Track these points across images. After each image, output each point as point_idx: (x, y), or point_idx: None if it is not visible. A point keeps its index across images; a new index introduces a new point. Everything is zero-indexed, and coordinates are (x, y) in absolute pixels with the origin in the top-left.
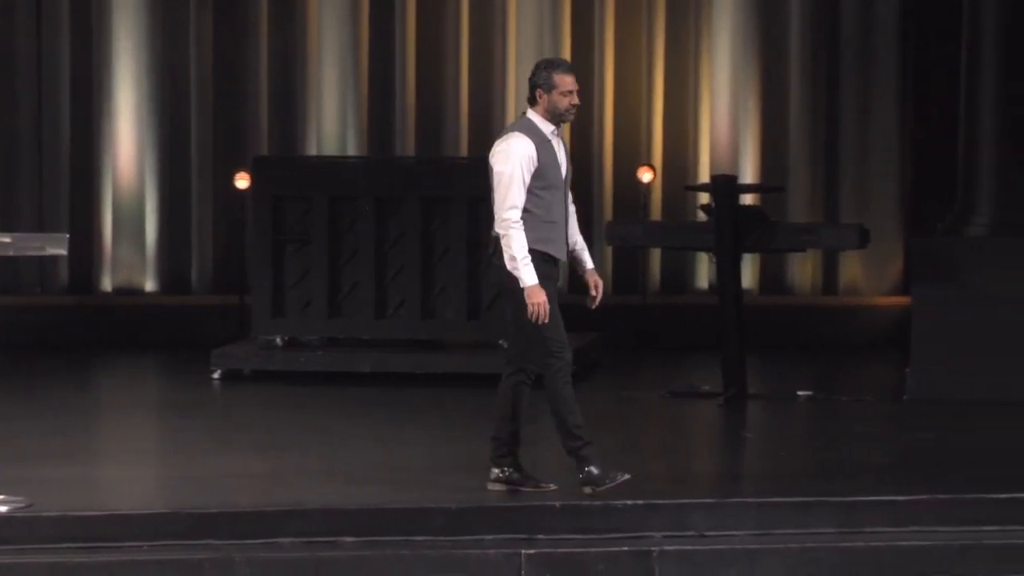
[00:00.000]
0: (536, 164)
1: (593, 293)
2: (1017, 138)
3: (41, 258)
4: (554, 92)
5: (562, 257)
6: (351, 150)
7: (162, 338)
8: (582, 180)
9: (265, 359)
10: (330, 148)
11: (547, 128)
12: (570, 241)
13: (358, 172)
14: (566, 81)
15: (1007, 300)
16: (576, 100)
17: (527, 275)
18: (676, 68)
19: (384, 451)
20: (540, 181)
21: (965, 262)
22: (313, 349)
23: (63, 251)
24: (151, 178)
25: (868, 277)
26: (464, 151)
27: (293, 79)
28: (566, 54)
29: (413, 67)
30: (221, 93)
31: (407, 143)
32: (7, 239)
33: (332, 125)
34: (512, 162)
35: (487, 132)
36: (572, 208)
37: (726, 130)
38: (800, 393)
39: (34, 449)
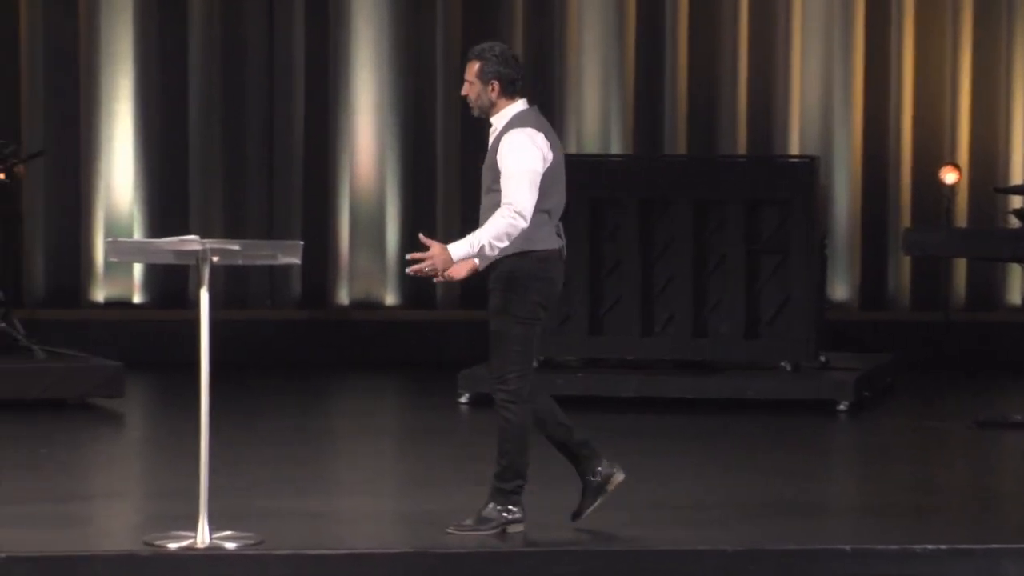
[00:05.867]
0: None
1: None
2: None
3: (272, 268)
4: None
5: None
6: (614, 148)
7: (403, 356)
8: (876, 181)
9: None
10: (591, 146)
11: None
12: None
13: (622, 172)
14: None
15: None
16: (463, 91)
17: None
18: (985, 57)
19: (648, 486)
20: None
21: None
22: (572, 370)
23: (296, 260)
24: (392, 180)
25: None
26: (742, 149)
27: (550, 71)
28: (859, 42)
29: (684, 56)
30: None
31: (677, 140)
32: (235, 247)
33: (593, 121)
34: None
35: (767, 128)
36: (495, 210)
37: None
38: None
39: (262, 479)
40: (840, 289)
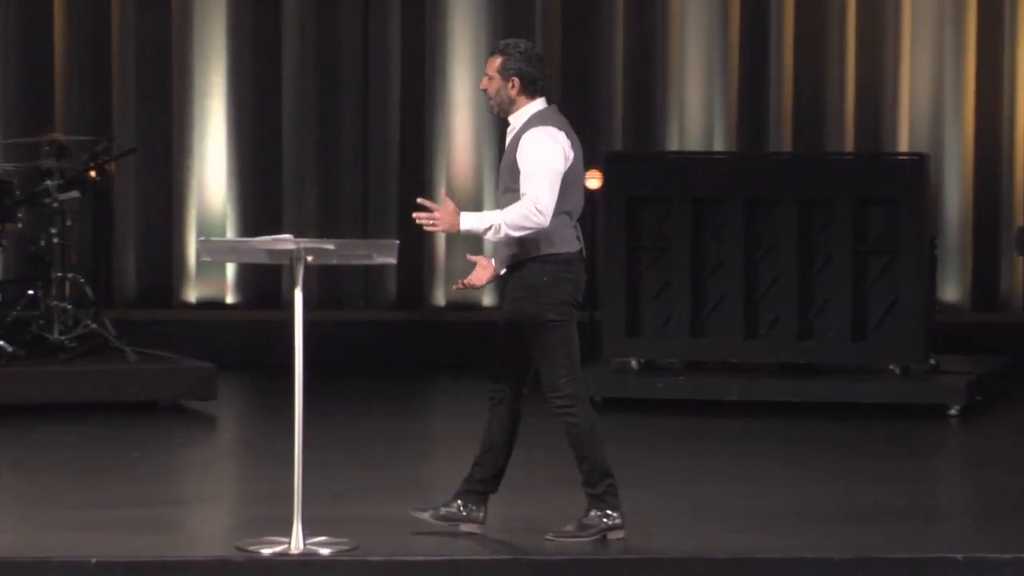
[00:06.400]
0: None
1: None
2: None
3: (367, 268)
4: None
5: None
6: (718, 145)
7: None
8: (988, 180)
9: (618, 384)
10: (694, 142)
11: None
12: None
13: (725, 170)
14: None
15: None
16: (482, 85)
17: None
18: None
19: (751, 492)
20: None
21: None
22: (673, 373)
23: (392, 260)
24: (490, 177)
25: None
26: (849, 146)
27: (652, 66)
28: (970, 37)
29: (790, 50)
30: (570, 82)
31: (782, 137)
32: (330, 246)
33: (696, 117)
34: None
35: (875, 125)
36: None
37: None
38: None
39: (357, 483)
40: (951, 290)
